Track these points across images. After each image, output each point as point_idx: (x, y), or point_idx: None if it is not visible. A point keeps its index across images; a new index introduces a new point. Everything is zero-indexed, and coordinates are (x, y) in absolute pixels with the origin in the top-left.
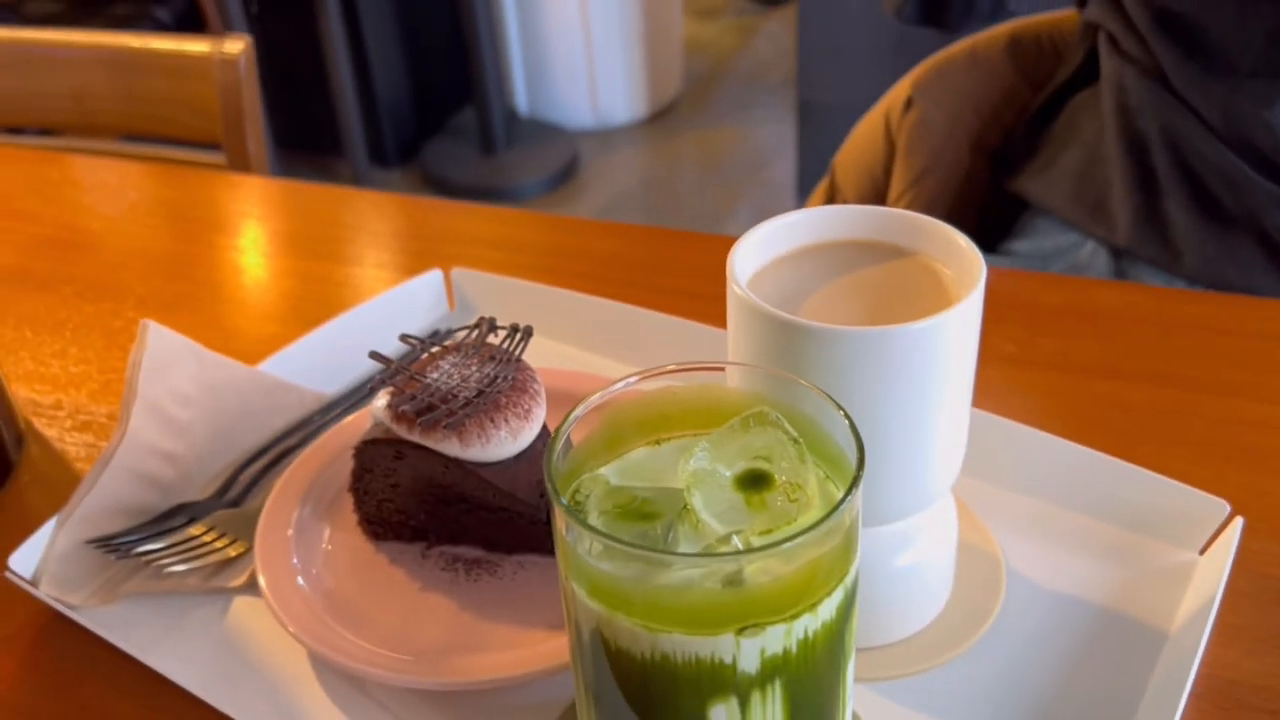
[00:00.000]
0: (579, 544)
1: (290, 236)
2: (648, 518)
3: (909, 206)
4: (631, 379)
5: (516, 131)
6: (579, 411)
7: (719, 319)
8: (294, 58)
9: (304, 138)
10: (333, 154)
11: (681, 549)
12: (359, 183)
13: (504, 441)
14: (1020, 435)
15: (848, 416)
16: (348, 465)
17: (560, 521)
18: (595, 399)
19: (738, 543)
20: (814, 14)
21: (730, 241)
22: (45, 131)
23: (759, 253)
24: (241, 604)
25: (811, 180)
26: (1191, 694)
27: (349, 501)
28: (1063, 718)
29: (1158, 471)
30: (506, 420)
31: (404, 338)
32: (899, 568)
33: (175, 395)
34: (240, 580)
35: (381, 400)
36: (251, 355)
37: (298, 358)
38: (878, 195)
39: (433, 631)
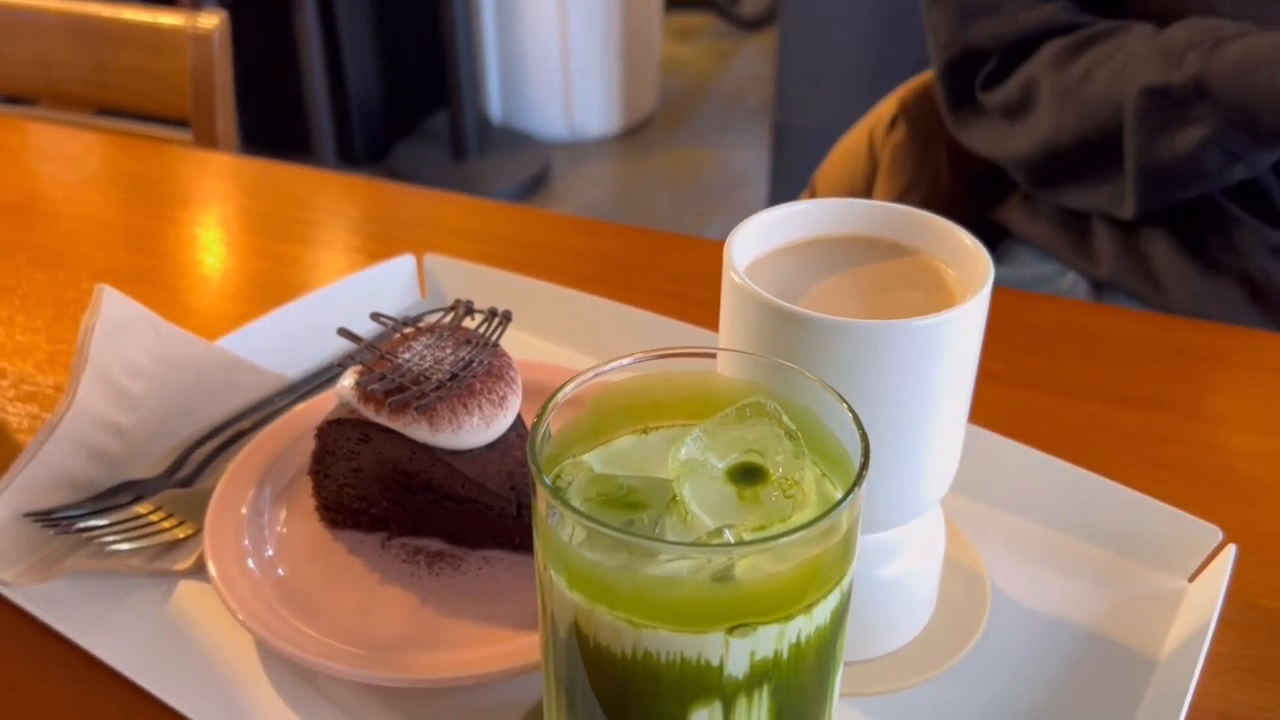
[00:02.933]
0: (561, 529)
1: (259, 216)
2: (633, 507)
3: None
4: (624, 360)
5: (489, 138)
6: (568, 389)
7: (697, 320)
8: (266, 49)
9: (271, 133)
10: (300, 151)
11: None
12: None
13: (476, 429)
14: (1007, 451)
15: (851, 410)
16: (308, 448)
17: (542, 504)
18: (586, 375)
19: (729, 537)
20: (795, 38)
21: (707, 245)
22: (11, 100)
23: (757, 242)
24: (187, 588)
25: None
26: None
27: (308, 486)
28: None
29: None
30: (480, 407)
31: (375, 316)
32: (883, 579)
33: (128, 365)
34: (187, 564)
35: (349, 379)
36: (212, 334)
37: (259, 336)
38: None
39: (390, 625)
